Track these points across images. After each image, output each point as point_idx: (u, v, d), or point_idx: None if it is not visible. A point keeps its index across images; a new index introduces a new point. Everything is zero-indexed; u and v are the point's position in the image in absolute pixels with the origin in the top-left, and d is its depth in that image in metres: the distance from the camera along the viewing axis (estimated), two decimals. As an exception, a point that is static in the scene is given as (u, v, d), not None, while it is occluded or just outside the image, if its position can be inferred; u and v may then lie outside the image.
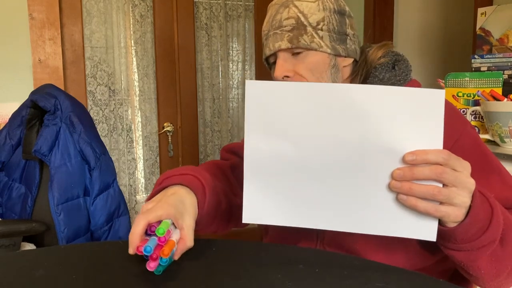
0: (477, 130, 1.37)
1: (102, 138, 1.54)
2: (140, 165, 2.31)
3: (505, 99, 1.30)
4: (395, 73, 0.83)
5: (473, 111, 1.37)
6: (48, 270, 0.62)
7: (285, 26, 0.81)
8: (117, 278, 0.60)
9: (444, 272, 0.80)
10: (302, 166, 0.63)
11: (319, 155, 0.62)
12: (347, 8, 0.85)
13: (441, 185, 0.59)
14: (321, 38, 0.81)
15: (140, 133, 2.30)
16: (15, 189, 1.51)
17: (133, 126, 2.28)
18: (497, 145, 1.29)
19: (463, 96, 1.39)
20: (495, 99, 1.32)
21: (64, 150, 1.41)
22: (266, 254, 0.70)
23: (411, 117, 0.59)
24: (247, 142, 0.65)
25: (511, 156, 1.19)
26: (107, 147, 1.57)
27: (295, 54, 0.81)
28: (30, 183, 1.47)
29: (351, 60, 0.85)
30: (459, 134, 0.75)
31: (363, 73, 0.85)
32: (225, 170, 0.92)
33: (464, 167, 0.60)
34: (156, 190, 0.73)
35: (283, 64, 0.81)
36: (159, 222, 0.64)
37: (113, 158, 1.61)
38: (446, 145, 0.73)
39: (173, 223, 0.66)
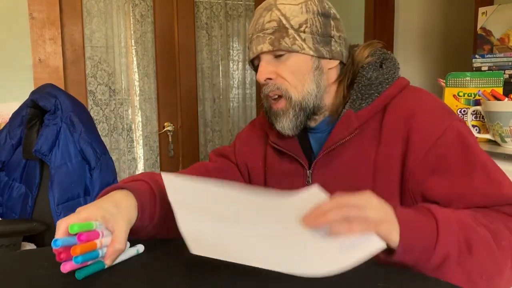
0: (477, 130, 1.37)
1: (103, 138, 1.54)
2: (141, 165, 2.31)
3: (506, 98, 1.30)
4: (382, 71, 0.83)
5: (473, 111, 1.37)
6: (48, 270, 0.62)
7: (267, 29, 0.81)
8: (117, 278, 0.60)
9: None
10: (226, 229, 0.65)
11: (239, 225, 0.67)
12: (332, 11, 0.85)
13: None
14: (304, 40, 0.81)
15: (141, 132, 2.30)
16: (16, 189, 1.51)
17: (133, 126, 2.28)
18: (498, 144, 1.29)
19: (464, 95, 1.39)
20: (496, 98, 1.32)
21: (65, 149, 1.41)
22: (266, 254, 0.69)
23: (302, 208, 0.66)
24: (175, 212, 0.63)
25: (511, 156, 1.19)
26: (108, 147, 1.57)
27: (278, 56, 0.82)
28: (30, 183, 1.47)
29: (336, 62, 0.85)
30: (443, 130, 0.74)
31: (351, 74, 0.85)
32: (211, 172, 0.93)
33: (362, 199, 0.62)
34: (99, 196, 0.72)
35: (266, 67, 0.82)
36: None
37: (113, 158, 1.61)
38: (426, 144, 0.74)
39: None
